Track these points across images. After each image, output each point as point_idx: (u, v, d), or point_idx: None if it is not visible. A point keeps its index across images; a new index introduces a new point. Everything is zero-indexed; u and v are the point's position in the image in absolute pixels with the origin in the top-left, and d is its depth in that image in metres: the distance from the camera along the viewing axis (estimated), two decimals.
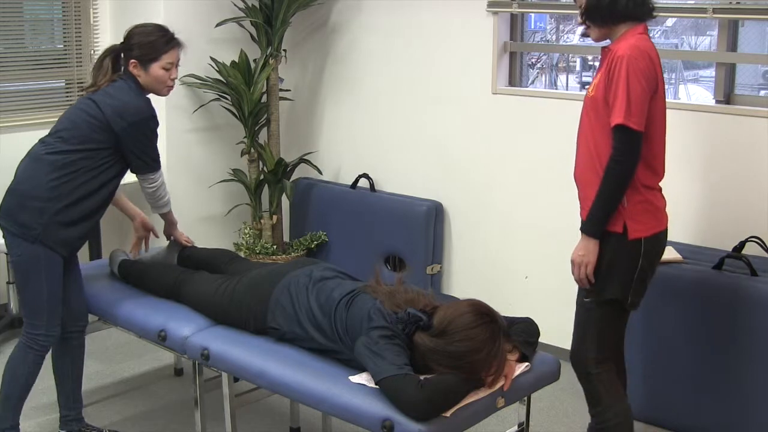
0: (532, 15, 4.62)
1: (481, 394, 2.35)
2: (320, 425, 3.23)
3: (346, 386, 2.41)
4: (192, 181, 4.64)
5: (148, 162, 2.99)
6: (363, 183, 4.63)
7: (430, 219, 4.32)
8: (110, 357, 4.03)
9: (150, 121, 2.96)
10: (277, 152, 4.62)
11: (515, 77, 4.23)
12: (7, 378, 2.97)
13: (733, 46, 3.61)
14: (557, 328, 3.26)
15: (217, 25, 4.46)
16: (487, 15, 4.12)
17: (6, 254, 3.11)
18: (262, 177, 4.61)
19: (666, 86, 2.69)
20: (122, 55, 3.02)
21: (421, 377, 2.29)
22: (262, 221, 4.65)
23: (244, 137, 4.58)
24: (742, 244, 3.31)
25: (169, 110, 4.40)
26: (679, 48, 5.29)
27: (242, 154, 4.63)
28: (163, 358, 3.95)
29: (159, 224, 3.39)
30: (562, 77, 5.81)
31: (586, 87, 2.95)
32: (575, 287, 2.77)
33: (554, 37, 5.50)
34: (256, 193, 4.64)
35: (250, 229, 4.66)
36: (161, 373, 3.89)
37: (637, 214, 2.64)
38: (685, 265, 3.28)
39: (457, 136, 4.31)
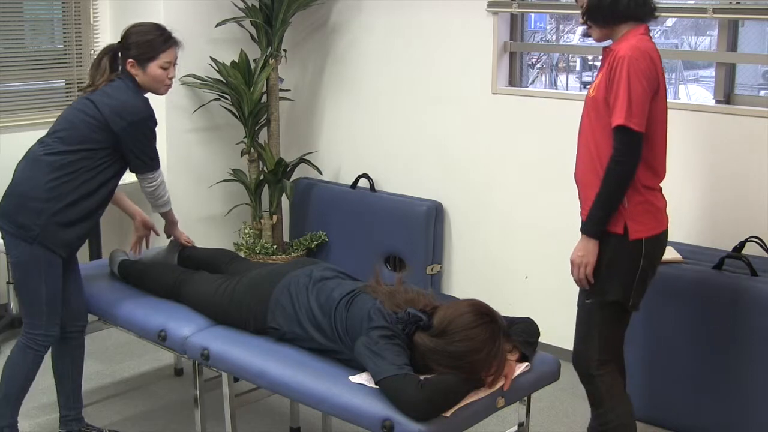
0: (532, 15, 4.61)
1: (481, 394, 2.35)
2: (320, 425, 3.23)
3: (346, 386, 2.41)
4: (192, 181, 4.64)
5: (146, 161, 2.99)
6: (363, 183, 4.63)
7: (430, 219, 4.32)
8: (110, 357, 4.02)
9: (148, 120, 2.96)
10: (277, 152, 4.62)
11: (515, 77, 4.23)
12: (6, 377, 2.97)
13: (733, 46, 3.61)
14: (557, 329, 3.26)
15: (217, 25, 4.46)
16: (487, 15, 4.12)
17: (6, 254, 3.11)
18: (262, 177, 4.61)
19: (666, 86, 2.69)
20: (120, 54, 3.01)
21: (421, 377, 2.29)
22: (262, 221, 4.65)
23: (244, 137, 4.58)
24: (742, 244, 3.31)
25: (169, 110, 4.40)
26: (679, 48, 5.29)
27: (242, 154, 4.63)
28: (163, 358, 3.95)
29: (159, 224, 3.39)
30: (562, 77, 5.81)
31: (587, 87, 2.94)
32: (575, 287, 2.77)
33: (554, 37, 5.50)
34: (256, 193, 4.64)
35: (250, 229, 4.65)
36: (161, 373, 3.88)
37: (638, 215, 2.63)
38: (685, 265, 3.28)
39: (457, 136, 4.31)
